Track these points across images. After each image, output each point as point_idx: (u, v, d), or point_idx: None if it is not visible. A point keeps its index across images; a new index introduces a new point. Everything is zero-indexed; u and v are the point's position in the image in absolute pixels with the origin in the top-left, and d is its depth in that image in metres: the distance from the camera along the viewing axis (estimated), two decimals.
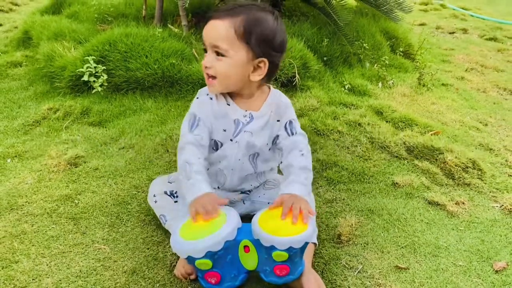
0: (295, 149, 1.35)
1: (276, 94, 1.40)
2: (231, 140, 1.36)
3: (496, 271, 1.39)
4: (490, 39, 4.81)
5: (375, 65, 3.03)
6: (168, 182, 1.50)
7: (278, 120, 1.39)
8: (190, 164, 1.24)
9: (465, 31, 5.09)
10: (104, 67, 2.37)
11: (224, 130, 1.35)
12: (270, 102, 1.37)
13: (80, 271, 1.30)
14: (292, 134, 1.39)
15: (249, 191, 1.51)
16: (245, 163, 1.41)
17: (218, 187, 1.46)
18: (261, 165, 1.44)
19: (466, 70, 3.56)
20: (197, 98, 1.37)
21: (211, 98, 1.34)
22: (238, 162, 1.40)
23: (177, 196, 1.46)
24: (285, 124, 1.39)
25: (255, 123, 1.36)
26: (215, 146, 1.38)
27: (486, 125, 2.54)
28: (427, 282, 1.33)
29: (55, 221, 1.51)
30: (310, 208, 1.19)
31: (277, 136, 1.39)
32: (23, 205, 1.59)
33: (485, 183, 1.87)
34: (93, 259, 1.35)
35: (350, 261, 1.40)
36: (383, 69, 2.94)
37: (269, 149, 1.42)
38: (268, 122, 1.38)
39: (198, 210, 1.15)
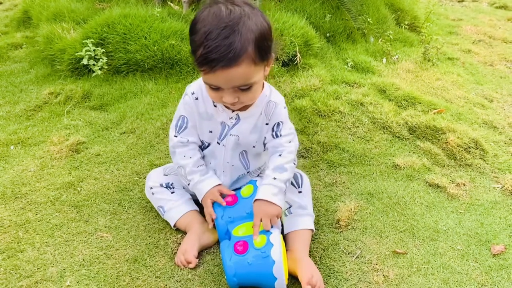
0: (275, 152, 1.34)
1: (266, 92, 1.32)
2: (218, 143, 1.37)
3: (494, 255, 1.40)
4: (501, 7, 4.67)
5: (380, 39, 2.96)
6: (164, 174, 1.50)
7: (266, 124, 1.34)
8: (183, 167, 1.36)
9: None
10: (103, 50, 2.34)
11: (210, 132, 1.35)
12: (260, 101, 1.31)
13: (84, 259, 1.33)
14: (277, 136, 1.35)
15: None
16: (236, 163, 1.40)
17: None
18: (253, 162, 1.43)
19: (473, 42, 3.48)
20: (183, 97, 1.34)
21: (196, 98, 1.32)
22: (227, 164, 1.39)
23: (173, 187, 1.47)
24: (273, 127, 1.34)
25: (242, 124, 1.32)
26: (202, 145, 1.40)
27: (492, 101, 2.50)
28: (424, 267, 1.34)
29: (58, 209, 1.54)
30: (273, 220, 1.27)
31: (265, 137, 1.37)
32: (26, 193, 1.61)
33: (487, 163, 1.86)
34: (96, 247, 1.38)
35: (348, 246, 1.41)
36: (387, 44, 2.88)
37: (256, 147, 1.39)
38: (256, 126, 1.33)
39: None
